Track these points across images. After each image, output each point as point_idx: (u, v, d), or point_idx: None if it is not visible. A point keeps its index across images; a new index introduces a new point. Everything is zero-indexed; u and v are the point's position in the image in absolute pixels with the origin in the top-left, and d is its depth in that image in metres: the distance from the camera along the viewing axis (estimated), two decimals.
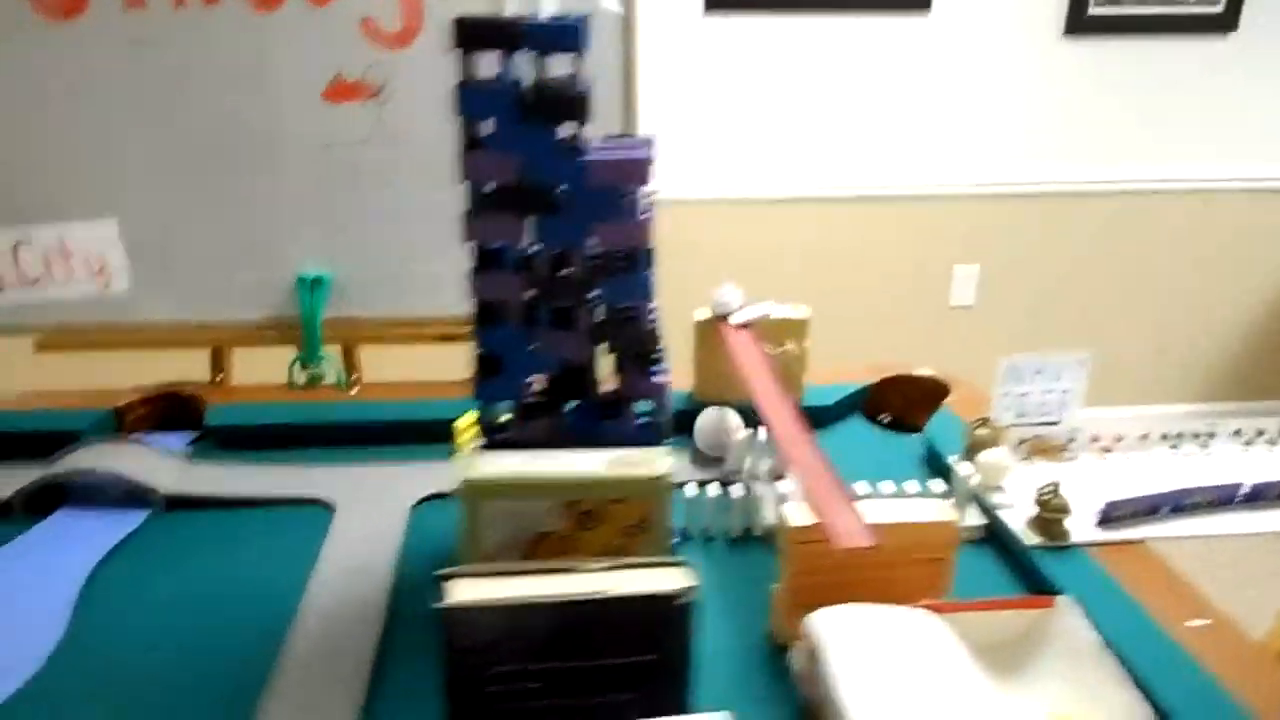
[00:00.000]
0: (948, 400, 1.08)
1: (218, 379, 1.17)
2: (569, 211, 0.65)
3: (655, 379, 0.71)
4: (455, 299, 1.10)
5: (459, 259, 1.11)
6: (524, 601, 0.43)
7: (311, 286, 1.07)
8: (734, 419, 0.95)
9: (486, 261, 0.68)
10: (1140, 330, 2.67)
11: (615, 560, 0.48)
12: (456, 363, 1.25)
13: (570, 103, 0.63)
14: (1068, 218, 2.53)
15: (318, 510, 0.91)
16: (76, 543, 0.84)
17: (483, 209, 0.66)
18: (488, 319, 0.70)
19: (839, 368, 1.09)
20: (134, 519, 0.88)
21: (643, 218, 0.66)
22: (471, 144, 0.65)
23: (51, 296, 0.91)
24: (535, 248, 0.67)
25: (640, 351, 0.71)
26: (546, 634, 0.44)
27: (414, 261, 1.08)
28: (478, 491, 0.52)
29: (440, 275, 1.08)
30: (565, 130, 0.64)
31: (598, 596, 0.43)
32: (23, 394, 1.07)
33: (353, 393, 1.09)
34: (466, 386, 1.12)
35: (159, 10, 0.97)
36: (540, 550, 0.54)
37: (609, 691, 0.46)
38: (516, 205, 0.65)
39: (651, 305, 0.70)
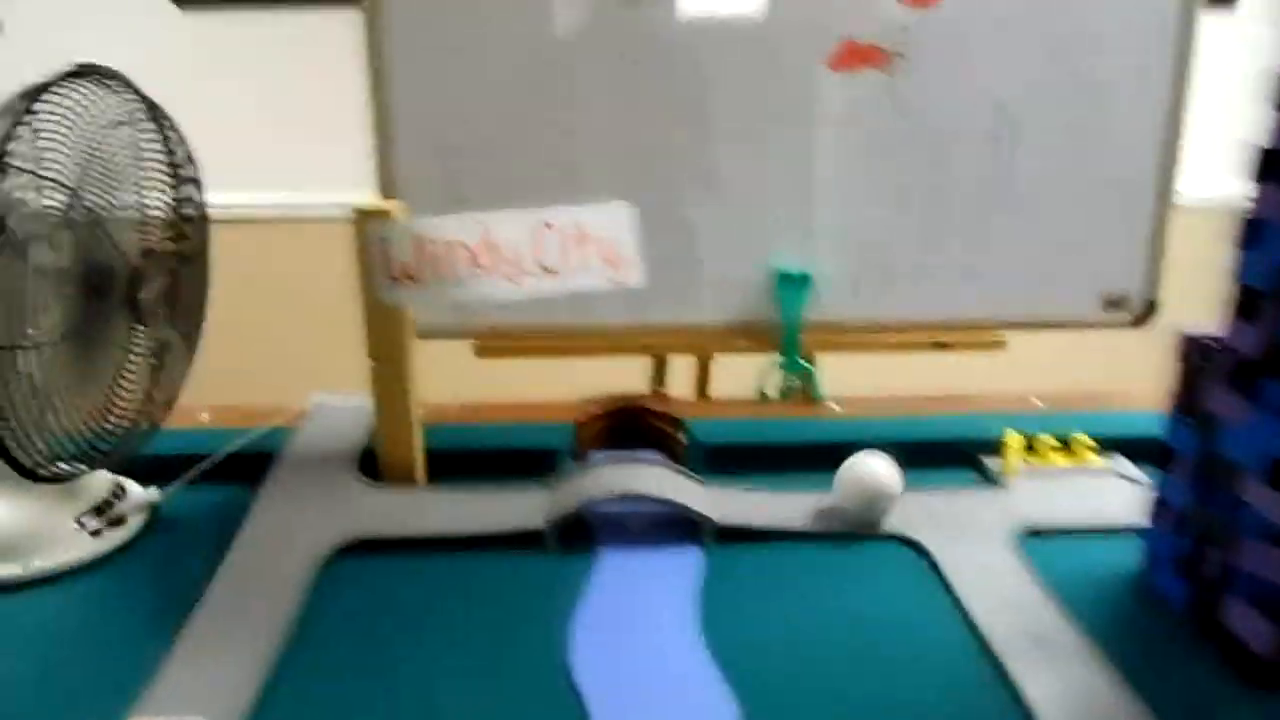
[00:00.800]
0: None
1: (658, 388, 1.04)
2: None
3: None
4: (953, 299, 0.96)
5: (968, 250, 0.98)
6: None
7: (794, 284, 0.92)
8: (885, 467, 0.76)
9: None
10: None
11: None
12: (935, 373, 1.10)
13: None
14: None
15: (886, 544, 0.76)
16: (658, 587, 0.70)
17: None
18: None
19: None
20: (693, 554, 0.74)
21: None
22: None
23: (567, 287, 0.77)
24: None
25: None
26: None
27: (909, 255, 0.92)
28: None
29: (937, 271, 0.93)
30: None
31: None
32: (464, 405, 0.95)
33: (835, 407, 0.94)
34: (959, 401, 0.98)
35: None
36: None
37: None
38: None
39: None
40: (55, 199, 0.59)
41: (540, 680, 0.61)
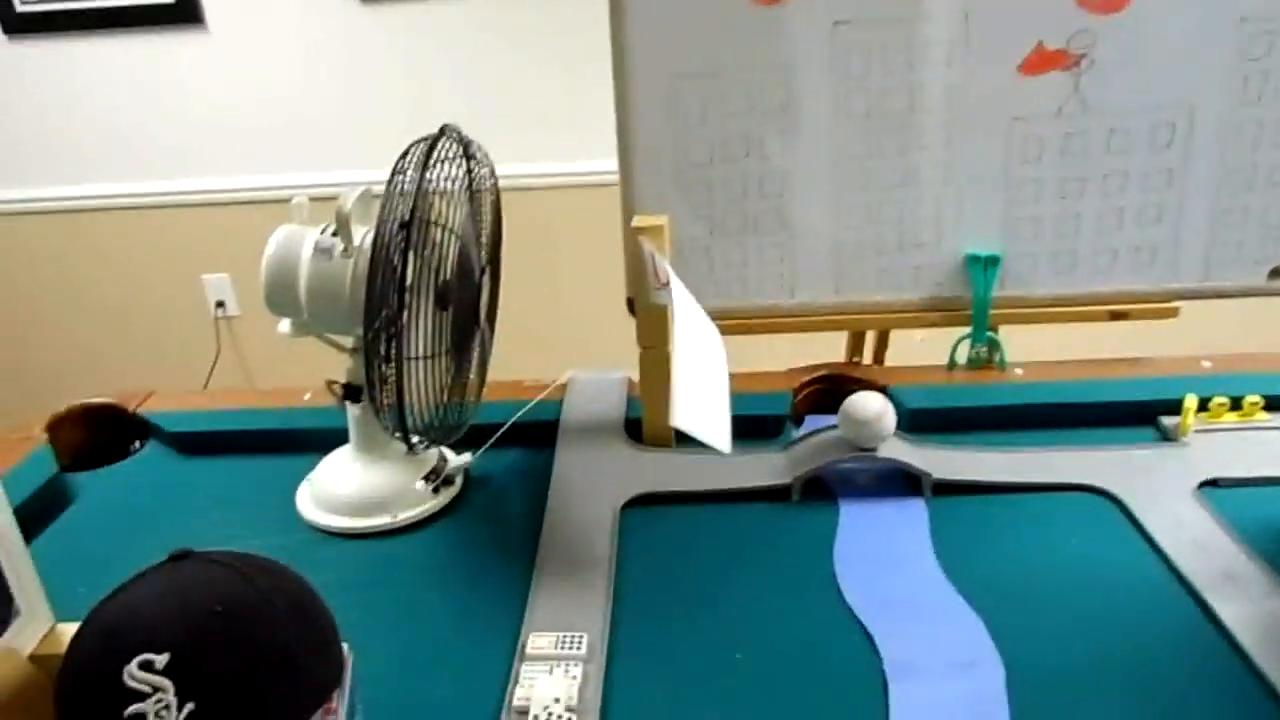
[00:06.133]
0: None
1: (854, 359, 1.18)
2: None
3: None
4: (1129, 274, 1.07)
5: (1143, 230, 1.08)
6: None
7: (984, 266, 1.05)
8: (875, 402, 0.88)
9: None
10: None
11: None
12: (1113, 340, 1.22)
13: None
14: None
15: (1081, 496, 0.90)
16: (896, 532, 0.85)
17: None
18: None
19: None
20: (917, 505, 0.89)
21: None
22: None
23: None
24: None
25: None
26: None
27: (1089, 237, 1.03)
28: None
29: (1115, 250, 1.04)
30: None
31: None
32: None
33: (1019, 372, 1.07)
34: (1133, 365, 1.09)
35: None
36: None
37: None
38: None
39: None
40: (449, 244, 0.77)
41: (820, 604, 0.77)
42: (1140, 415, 1.00)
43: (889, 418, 0.89)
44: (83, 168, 2.37)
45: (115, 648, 0.48)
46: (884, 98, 1.00)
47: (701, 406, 0.79)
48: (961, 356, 1.08)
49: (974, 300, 1.05)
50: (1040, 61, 0.98)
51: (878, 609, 0.75)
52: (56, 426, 1.04)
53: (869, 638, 0.73)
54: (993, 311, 1.06)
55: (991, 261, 1.05)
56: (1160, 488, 0.88)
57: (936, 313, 1.07)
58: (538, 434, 1.03)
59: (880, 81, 0.99)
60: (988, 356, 1.07)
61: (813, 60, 0.99)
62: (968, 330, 1.07)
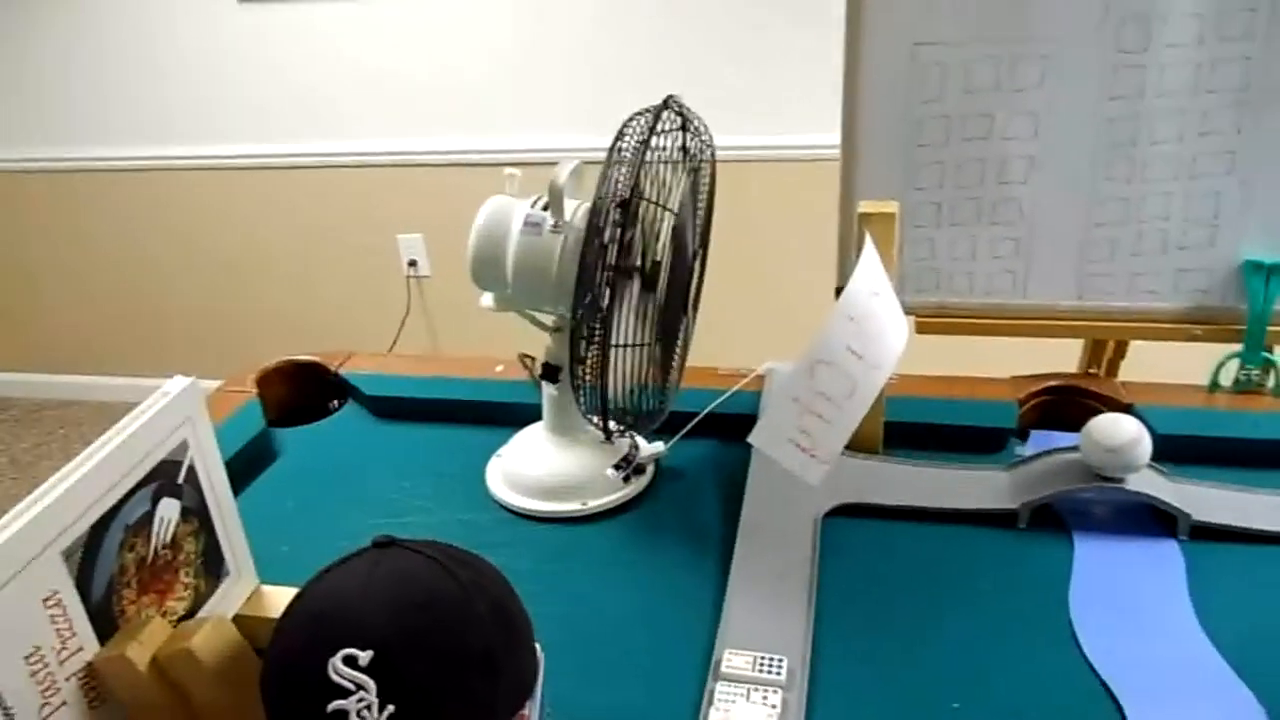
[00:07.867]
0: None
1: (1090, 370, 1.07)
2: None
3: None
4: None
5: None
6: None
7: (1267, 275, 0.90)
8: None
9: None
10: None
11: None
12: None
13: None
14: None
15: None
16: (1146, 577, 0.74)
17: None
18: None
19: None
20: (1171, 547, 0.78)
21: None
22: None
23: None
24: None
25: None
26: None
27: None
28: None
29: None
30: None
31: None
32: (904, 377, 1.02)
33: None
34: None
35: None
36: None
37: None
38: None
39: None
40: (666, 225, 0.72)
41: (1053, 653, 0.67)
42: None
43: (1144, 446, 0.78)
44: (285, 127, 2.48)
45: (321, 638, 0.46)
46: (1163, 74, 0.86)
47: (806, 428, 0.71)
48: (1226, 378, 0.94)
49: (1250, 314, 0.91)
50: None
51: (1125, 669, 0.65)
52: (266, 382, 1.08)
53: (1114, 702, 0.63)
54: (1271, 328, 0.91)
55: (1276, 270, 0.90)
56: None
57: (1199, 325, 0.93)
58: (733, 426, 0.96)
59: (1160, 56, 0.86)
60: (1260, 380, 0.92)
61: (1079, 30, 0.87)
62: (1236, 348, 0.93)
